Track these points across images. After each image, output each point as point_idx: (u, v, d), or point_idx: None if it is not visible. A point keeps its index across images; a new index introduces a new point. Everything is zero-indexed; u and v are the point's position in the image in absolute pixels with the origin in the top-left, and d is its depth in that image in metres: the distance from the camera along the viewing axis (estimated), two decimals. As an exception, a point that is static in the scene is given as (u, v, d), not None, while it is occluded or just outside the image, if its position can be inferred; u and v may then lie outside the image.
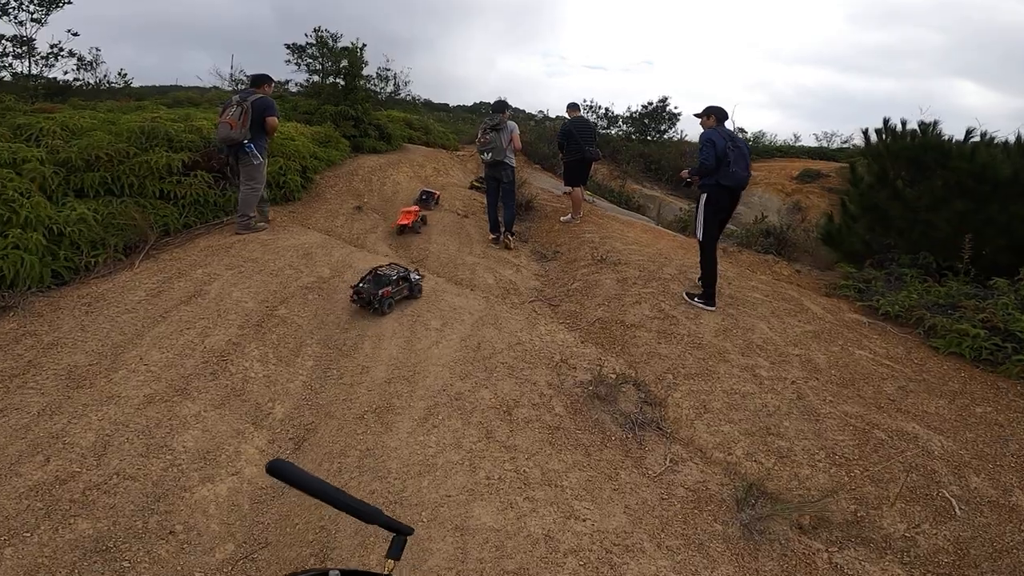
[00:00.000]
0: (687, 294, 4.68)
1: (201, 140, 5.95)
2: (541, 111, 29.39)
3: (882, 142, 6.53)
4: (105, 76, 19.00)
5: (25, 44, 9.77)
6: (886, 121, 6.54)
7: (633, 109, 19.51)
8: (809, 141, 22.58)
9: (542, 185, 9.68)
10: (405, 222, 6.18)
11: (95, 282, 4.14)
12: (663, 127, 20.35)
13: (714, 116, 4.48)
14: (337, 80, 10.31)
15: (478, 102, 35.83)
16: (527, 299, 5.07)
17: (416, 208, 6.54)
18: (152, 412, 2.91)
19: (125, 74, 17.47)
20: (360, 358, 3.60)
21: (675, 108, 19.51)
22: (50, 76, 11.08)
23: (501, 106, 6.15)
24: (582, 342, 4.22)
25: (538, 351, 3.91)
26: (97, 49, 17.45)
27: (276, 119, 5.13)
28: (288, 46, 12.32)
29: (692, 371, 3.77)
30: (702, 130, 4.46)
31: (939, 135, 6.05)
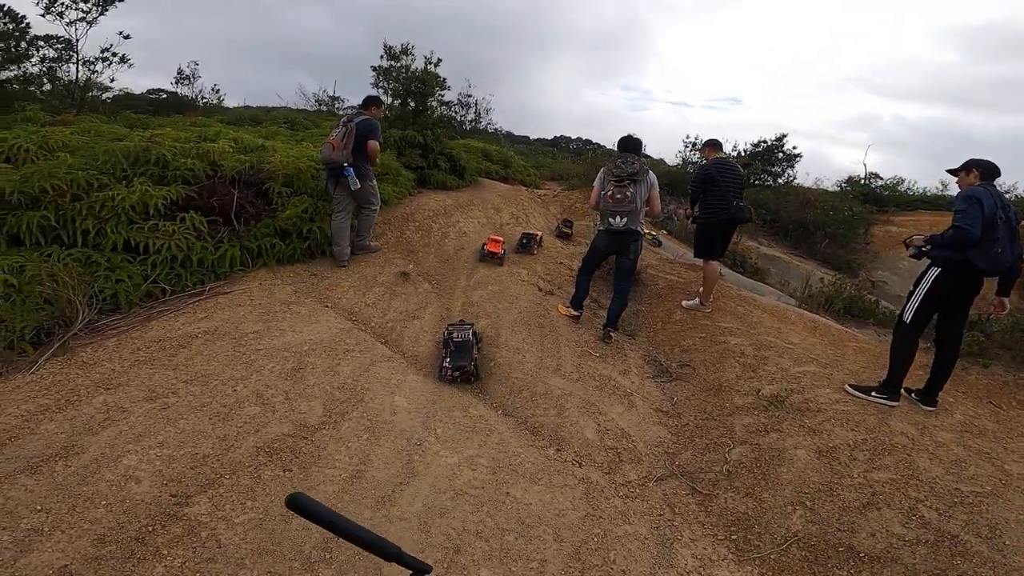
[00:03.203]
0: (853, 387, 3.47)
1: (207, 167, 4.41)
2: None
3: None
4: (200, 91, 19.38)
5: (64, 45, 9.07)
6: None
7: (741, 148, 16.91)
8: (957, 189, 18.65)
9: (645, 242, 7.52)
10: (494, 249, 5.33)
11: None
12: (775, 169, 17.57)
13: (977, 171, 3.22)
14: (408, 101, 8.82)
15: (559, 135, 34.36)
16: (652, 473, 2.95)
17: (502, 239, 5.57)
18: None
19: (218, 89, 17.56)
20: None
21: (793, 148, 16.74)
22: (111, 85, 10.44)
23: (635, 145, 4.14)
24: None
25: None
26: (195, 63, 17.73)
27: (378, 143, 4.63)
28: (374, 68, 11.27)
29: None
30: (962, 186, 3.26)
31: None
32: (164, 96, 18.25)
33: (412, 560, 0.83)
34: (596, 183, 4.17)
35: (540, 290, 4.86)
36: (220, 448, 2.48)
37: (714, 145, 5.00)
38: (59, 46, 9.61)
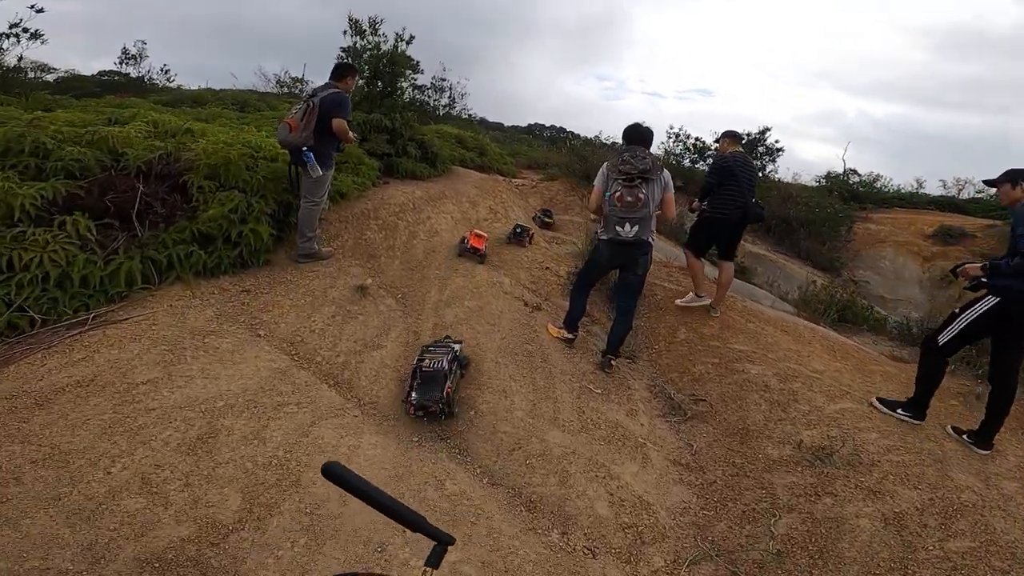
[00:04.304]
0: (880, 400, 3.26)
1: (105, 157, 3.48)
2: (598, 136, 26.69)
3: None
4: (147, 72, 17.67)
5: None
6: None
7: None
8: (931, 188, 18.83)
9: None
10: (477, 245, 4.79)
11: None
12: (756, 163, 17.28)
13: None
14: (376, 81, 7.90)
15: (533, 123, 33.45)
16: (681, 555, 2.29)
17: (486, 236, 5.03)
18: None
19: (167, 70, 16.10)
20: None
21: (776, 142, 16.48)
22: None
23: (645, 136, 3.42)
24: None
25: None
26: (142, 42, 16.19)
27: (344, 120, 3.92)
28: (344, 50, 10.31)
29: None
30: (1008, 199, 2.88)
31: None
32: (117, 78, 16.63)
33: (436, 530, 0.83)
34: (597, 182, 3.43)
35: (526, 304, 4.12)
36: (84, 562, 1.69)
37: (733, 137, 4.44)
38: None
